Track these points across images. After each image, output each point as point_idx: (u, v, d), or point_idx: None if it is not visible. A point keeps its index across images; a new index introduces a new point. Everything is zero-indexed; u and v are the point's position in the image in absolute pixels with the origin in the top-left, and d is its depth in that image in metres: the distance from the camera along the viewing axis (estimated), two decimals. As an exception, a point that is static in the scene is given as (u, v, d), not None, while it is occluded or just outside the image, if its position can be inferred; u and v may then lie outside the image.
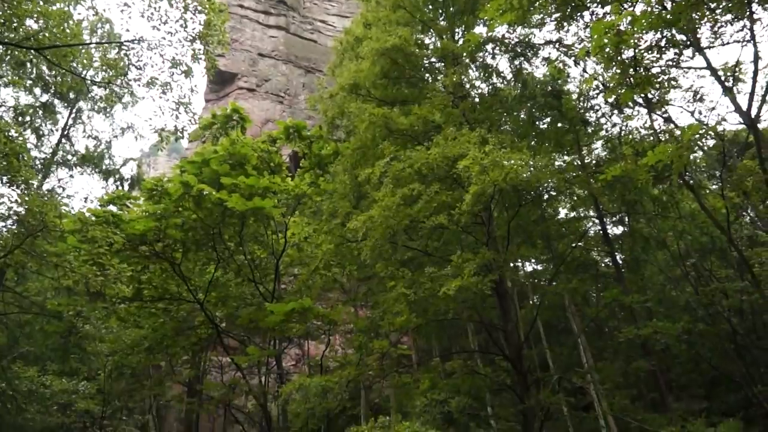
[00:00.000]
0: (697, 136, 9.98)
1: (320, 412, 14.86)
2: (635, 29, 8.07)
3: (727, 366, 19.87)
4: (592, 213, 19.56)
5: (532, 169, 11.86)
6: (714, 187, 19.48)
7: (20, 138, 12.54)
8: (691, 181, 16.38)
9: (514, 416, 13.14)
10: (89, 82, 13.58)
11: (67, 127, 23.10)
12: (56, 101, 22.80)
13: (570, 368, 13.59)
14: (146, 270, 17.77)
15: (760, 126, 12.07)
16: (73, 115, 23.23)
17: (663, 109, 12.96)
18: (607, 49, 8.01)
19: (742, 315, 20.16)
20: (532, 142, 16.16)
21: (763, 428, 17.67)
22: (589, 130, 17.67)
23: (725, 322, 19.60)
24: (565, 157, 17.31)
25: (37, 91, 21.49)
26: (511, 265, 20.71)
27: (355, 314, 19.43)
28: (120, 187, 24.31)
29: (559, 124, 16.81)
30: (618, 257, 19.94)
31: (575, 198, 16.58)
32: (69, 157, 23.62)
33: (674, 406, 14.19)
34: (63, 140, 23.10)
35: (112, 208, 18.01)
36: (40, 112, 22.14)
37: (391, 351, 16.01)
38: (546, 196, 16.85)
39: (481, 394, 12.71)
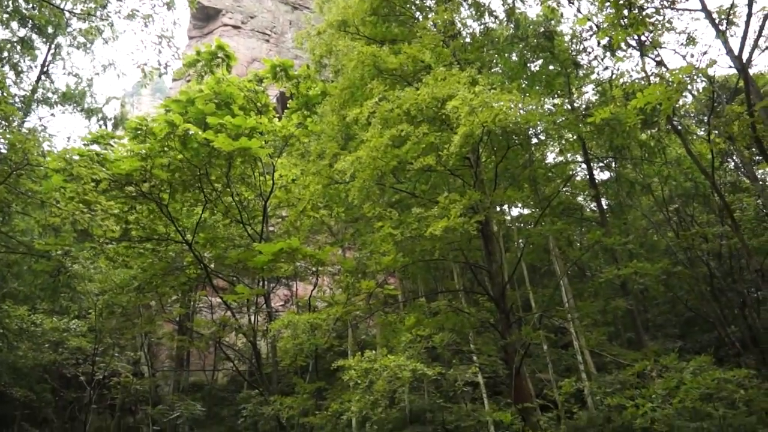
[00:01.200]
0: (688, 78, 9.94)
1: (308, 349, 15.28)
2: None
3: (702, 307, 20.60)
4: (579, 158, 19.65)
5: (521, 111, 11.80)
6: (701, 132, 19.56)
7: (-2, 73, 12.15)
8: (679, 127, 16.43)
9: (496, 352, 13.62)
10: (68, 14, 13.06)
11: (47, 64, 22.32)
12: (34, 36, 21.93)
13: (551, 308, 14.01)
14: (133, 210, 17.73)
15: (751, 71, 12.03)
16: (52, 51, 22.41)
17: (655, 52, 12.83)
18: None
19: (720, 259, 20.72)
20: (523, 85, 16.00)
21: (734, 366, 18.55)
22: (581, 74, 17.50)
23: (703, 266, 20.18)
24: (556, 100, 17.21)
25: (14, 25, 20.64)
26: (498, 208, 20.93)
27: (342, 256, 19.68)
28: (103, 127, 23.80)
29: (551, 67, 16.61)
30: (603, 202, 20.22)
31: (564, 142, 16.60)
32: (50, 95, 22.97)
33: (649, 345, 14.77)
34: (43, 77, 22.39)
35: (96, 147, 17.73)
36: (18, 47, 21.34)
37: (377, 291, 16.32)
38: (535, 140, 16.86)
39: (465, 330, 13.10)
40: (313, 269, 18.93)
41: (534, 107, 12.20)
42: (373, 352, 10.91)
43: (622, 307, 12.99)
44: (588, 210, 22.45)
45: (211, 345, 23.41)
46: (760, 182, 18.91)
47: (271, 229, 21.28)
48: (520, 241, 17.90)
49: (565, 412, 15.62)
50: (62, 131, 58.28)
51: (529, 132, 15.29)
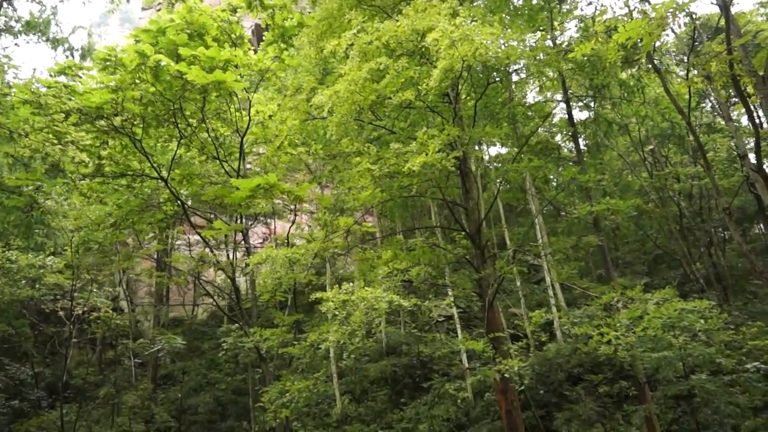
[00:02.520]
0: (670, 13, 9.83)
1: (287, 283, 15.48)
2: None
3: (670, 246, 21.31)
4: (559, 97, 19.60)
5: (503, 45, 11.61)
6: (681, 72, 19.58)
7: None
8: (660, 65, 16.38)
9: (471, 287, 13.97)
10: (25, -68, 12.22)
11: (7, -11, 21.13)
12: (-9, -41, 20.61)
13: (525, 244, 14.34)
14: (105, 145, 17.31)
15: (733, 10, 11.93)
16: (11, -25, 21.16)
17: (639, -13, 12.60)
18: None
19: (690, 199, 21.29)
20: (505, 19, 15.67)
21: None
22: (564, 9, 17.19)
23: (674, 205, 20.73)
24: (537, 35, 16.94)
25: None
26: (476, 147, 20.96)
27: (320, 193, 19.66)
28: (70, 58, 22.89)
29: (534, 1, 16.26)
30: (581, 143, 20.34)
31: (544, 79, 16.49)
32: (12, 23, 21.89)
33: (618, 280, 15.32)
34: (5, 4, 21.27)
35: (63, 79, 17.07)
36: (-26, -29, 20.09)
37: (355, 229, 16.45)
38: (515, 78, 16.70)
39: (441, 265, 13.38)
40: (291, 207, 18.93)
41: (515, 42, 12.02)
42: (351, 284, 11.12)
43: (593, 244, 13.36)
44: (565, 150, 22.62)
45: (190, 281, 23.58)
46: (735, 123, 19.16)
47: (248, 166, 21.05)
48: (498, 181, 18.07)
49: (534, 342, 16.32)
50: (27, 62, 55.68)
51: (510, 69, 15.12)
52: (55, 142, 12.30)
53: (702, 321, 9.80)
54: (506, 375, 10.41)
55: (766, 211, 15.52)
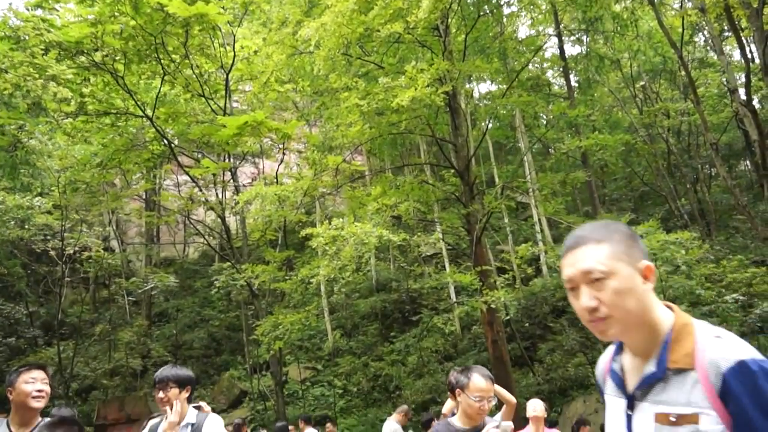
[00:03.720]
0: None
1: (277, 221, 15.60)
2: None
3: (657, 183, 21.54)
4: (551, 31, 19.21)
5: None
6: (676, 5, 19.16)
7: None
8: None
9: (459, 224, 14.16)
10: None
11: None
12: None
13: (514, 180, 14.44)
14: (87, 82, 16.88)
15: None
16: None
17: None
18: None
19: (679, 135, 21.35)
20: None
21: (679, 236, 19.87)
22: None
23: (662, 142, 20.79)
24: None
25: None
26: (467, 86, 20.67)
27: (308, 131, 19.46)
28: (45, -10, 21.86)
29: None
30: (572, 79, 20.12)
31: (536, 13, 16.09)
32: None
33: (603, 215, 15.56)
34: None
35: (40, 13, 16.41)
36: None
37: (344, 167, 16.41)
38: (507, 11, 16.28)
39: (430, 201, 13.48)
40: (279, 145, 18.78)
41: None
42: (341, 220, 11.23)
43: (581, 180, 13.47)
44: (556, 87, 22.39)
45: (180, 221, 23.61)
46: (726, 57, 18.97)
47: (234, 104, 20.70)
48: (488, 118, 17.94)
49: (521, 276, 16.73)
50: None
51: (501, 0, 14.73)
52: (36, 77, 11.97)
53: (683, 252, 10.05)
54: (492, 306, 10.73)
55: (752, 146, 15.62)
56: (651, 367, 1.43)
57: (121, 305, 23.22)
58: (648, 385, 1.43)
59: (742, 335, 15.66)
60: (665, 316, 1.46)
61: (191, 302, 25.18)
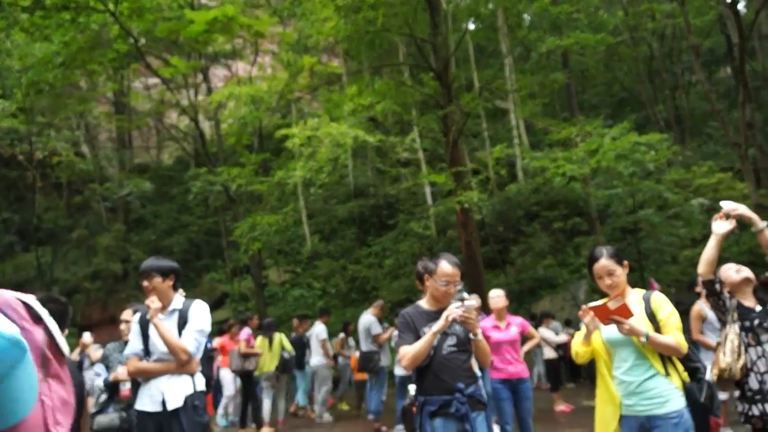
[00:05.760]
0: None
1: (252, 125, 15.29)
2: None
3: (637, 88, 21.43)
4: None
5: None
6: None
7: None
8: None
9: (437, 127, 14.01)
10: None
11: None
12: None
13: (493, 82, 14.18)
14: (41, -28, 15.66)
15: None
16: None
17: None
18: None
19: (662, 39, 20.96)
20: None
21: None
22: None
23: (645, 46, 20.46)
24: None
25: None
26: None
27: (282, 30, 18.62)
28: None
29: None
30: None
31: None
32: None
33: (580, 118, 15.54)
34: None
35: None
36: None
37: (320, 69, 15.91)
38: None
39: (407, 103, 13.25)
40: (252, 44, 18.00)
41: None
42: (316, 120, 11.03)
43: (560, 81, 13.28)
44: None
45: (152, 125, 23.01)
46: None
47: (203, 1, 19.59)
48: (469, 19, 17.29)
49: (496, 180, 16.93)
50: None
51: None
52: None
53: (653, 153, 10.20)
54: (466, 206, 10.90)
55: (734, 51, 15.47)
56: None
57: (97, 211, 23.07)
58: None
59: (705, 238, 16.37)
60: None
61: (168, 208, 25.11)
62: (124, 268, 21.24)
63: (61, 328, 4.31)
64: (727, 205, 3.03)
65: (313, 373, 9.90)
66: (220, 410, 9.63)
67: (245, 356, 8.77)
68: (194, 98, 16.99)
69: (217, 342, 9.64)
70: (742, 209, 2.96)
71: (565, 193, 15.79)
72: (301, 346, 10.20)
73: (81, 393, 3.77)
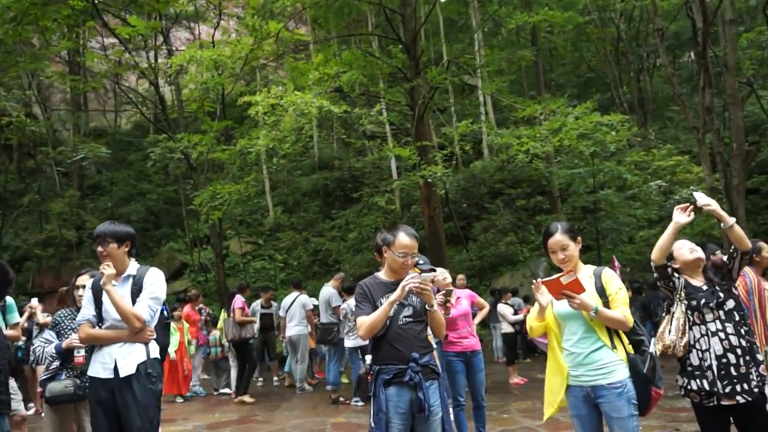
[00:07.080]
0: None
1: (214, 91, 14.84)
2: None
3: (603, 69, 21.69)
4: None
5: None
6: None
7: None
8: None
9: (405, 101, 13.87)
10: None
11: None
12: None
13: (461, 56, 14.07)
14: None
15: None
16: None
17: None
18: None
19: (630, 21, 21.21)
20: None
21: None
22: None
23: (613, 27, 20.69)
24: None
25: None
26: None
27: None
28: None
29: None
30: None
31: None
32: None
33: (545, 96, 15.65)
34: None
35: None
36: None
37: (287, 35, 15.47)
38: None
39: (375, 75, 13.04)
40: (215, 4, 17.35)
41: None
42: (280, 88, 10.75)
43: (528, 58, 13.28)
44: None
45: (109, 88, 22.08)
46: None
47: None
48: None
49: (462, 157, 16.97)
50: None
51: None
52: None
53: (613, 133, 10.35)
54: (430, 181, 10.87)
55: (698, 35, 15.71)
56: None
57: (49, 176, 22.19)
58: None
59: (660, 219, 16.83)
60: None
61: (126, 175, 24.37)
62: (79, 235, 20.58)
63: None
64: (701, 199, 3.05)
65: (293, 343, 9.67)
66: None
67: (241, 324, 8.73)
68: (154, 61, 16.29)
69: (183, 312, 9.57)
70: (714, 205, 2.99)
71: (529, 171, 15.95)
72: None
73: (4, 357, 3.64)
